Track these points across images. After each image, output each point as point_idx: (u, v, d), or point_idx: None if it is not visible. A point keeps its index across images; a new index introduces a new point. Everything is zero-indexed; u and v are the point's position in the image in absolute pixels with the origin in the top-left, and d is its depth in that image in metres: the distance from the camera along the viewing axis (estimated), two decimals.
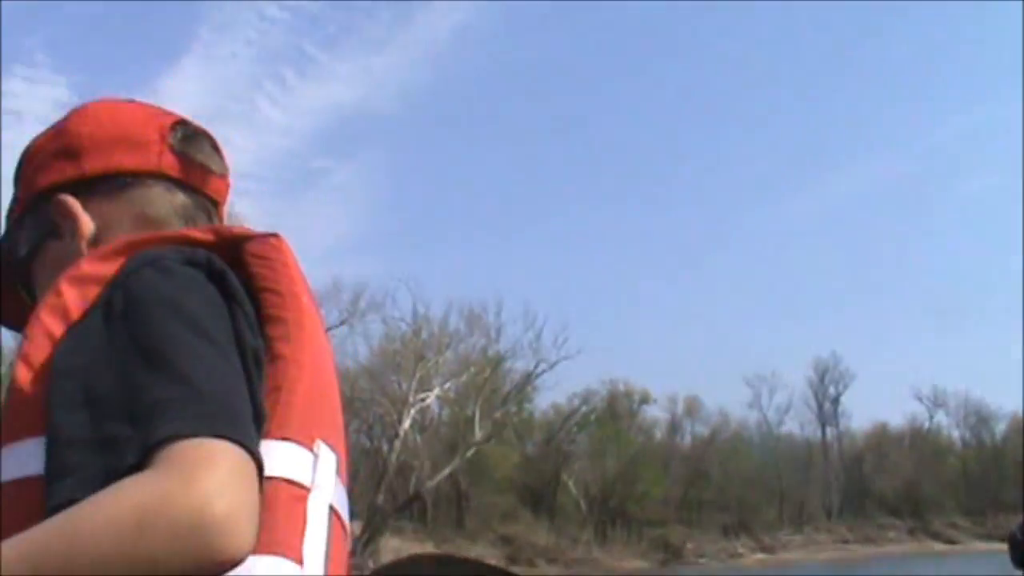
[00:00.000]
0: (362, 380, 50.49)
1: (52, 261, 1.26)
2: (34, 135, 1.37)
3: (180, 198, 1.29)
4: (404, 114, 79.21)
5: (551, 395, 71.36)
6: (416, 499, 49.50)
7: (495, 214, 79.15)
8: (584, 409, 61.22)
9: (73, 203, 1.26)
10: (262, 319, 1.12)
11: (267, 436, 1.02)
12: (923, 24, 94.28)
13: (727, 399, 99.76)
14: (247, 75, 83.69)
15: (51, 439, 0.98)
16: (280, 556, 0.97)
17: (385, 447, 48.14)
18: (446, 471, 48.00)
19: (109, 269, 1.11)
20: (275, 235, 1.20)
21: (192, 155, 1.30)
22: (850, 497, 72.54)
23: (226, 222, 1.35)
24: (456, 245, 76.98)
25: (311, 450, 1.07)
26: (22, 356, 1.05)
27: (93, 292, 1.09)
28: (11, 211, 1.35)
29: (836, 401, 75.27)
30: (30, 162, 1.33)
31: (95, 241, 1.24)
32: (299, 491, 1.03)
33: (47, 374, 1.02)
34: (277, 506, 0.99)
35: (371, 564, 42.78)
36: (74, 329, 1.05)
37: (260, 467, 0.94)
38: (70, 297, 1.09)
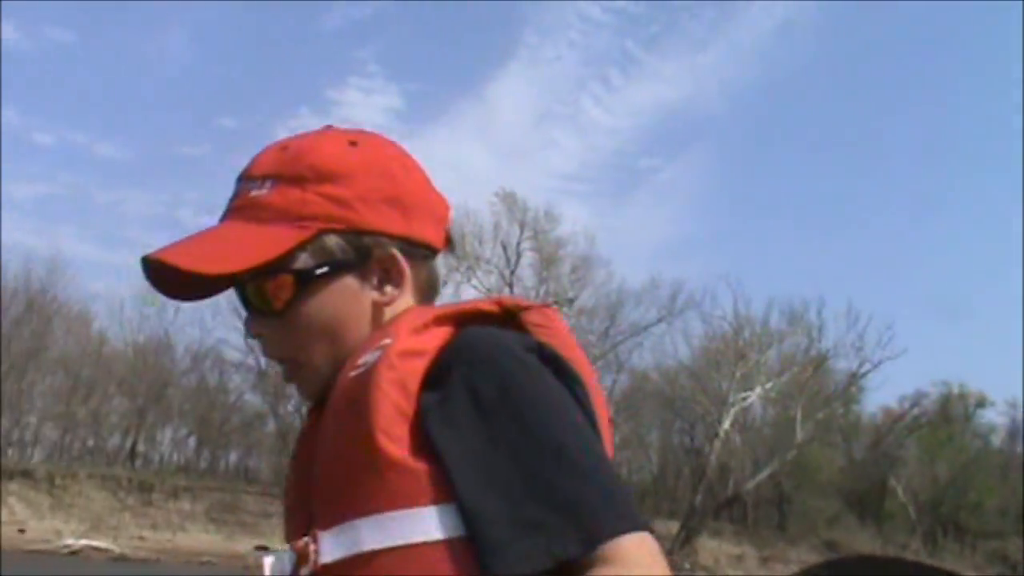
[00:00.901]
0: (682, 378, 50.48)
1: (340, 294, 1.34)
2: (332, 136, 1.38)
3: (437, 271, 1.42)
4: (729, 111, 78.41)
5: (877, 396, 68.82)
6: (735, 500, 49.04)
7: (817, 210, 76.96)
8: (915, 412, 58.80)
9: (404, 264, 1.34)
10: None
11: None
12: None
13: None
14: (572, 77, 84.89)
15: (474, 516, 1.10)
16: None
17: (706, 447, 47.93)
18: (765, 473, 47.33)
19: (429, 343, 1.22)
20: (548, 305, 1.34)
21: (452, 237, 1.44)
22: None
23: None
24: (778, 242, 75.44)
25: None
26: (380, 428, 1.15)
27: (420, 364, 1.19)
28: (297, 209, 1.33)
29: None
30: (350, 184, 1.34)
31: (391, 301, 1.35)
32: None
33: (422, 451, 1.14)
34: None
35: (687, 565, 42.72)
36: (443, 412, 1.15)
37: None
38: (405, 370, 1.19)
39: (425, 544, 1.12)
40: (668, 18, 76.42)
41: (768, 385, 47.26)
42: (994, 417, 64.72)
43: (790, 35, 73.55)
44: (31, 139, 68.99)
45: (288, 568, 1.21)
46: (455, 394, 1.16)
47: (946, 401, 60.83)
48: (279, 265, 1.31)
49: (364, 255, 1.34)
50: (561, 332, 1.29)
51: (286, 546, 1.24)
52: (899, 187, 75.34)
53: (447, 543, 1.11)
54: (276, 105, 79.35)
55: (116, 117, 73.61)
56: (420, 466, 1.13)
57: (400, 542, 1.12)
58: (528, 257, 47.21)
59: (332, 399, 1.26)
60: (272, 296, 1.33)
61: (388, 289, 1.35)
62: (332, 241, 1.33)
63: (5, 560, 28.38)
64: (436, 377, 1.18)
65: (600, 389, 1.30)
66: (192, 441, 55.08)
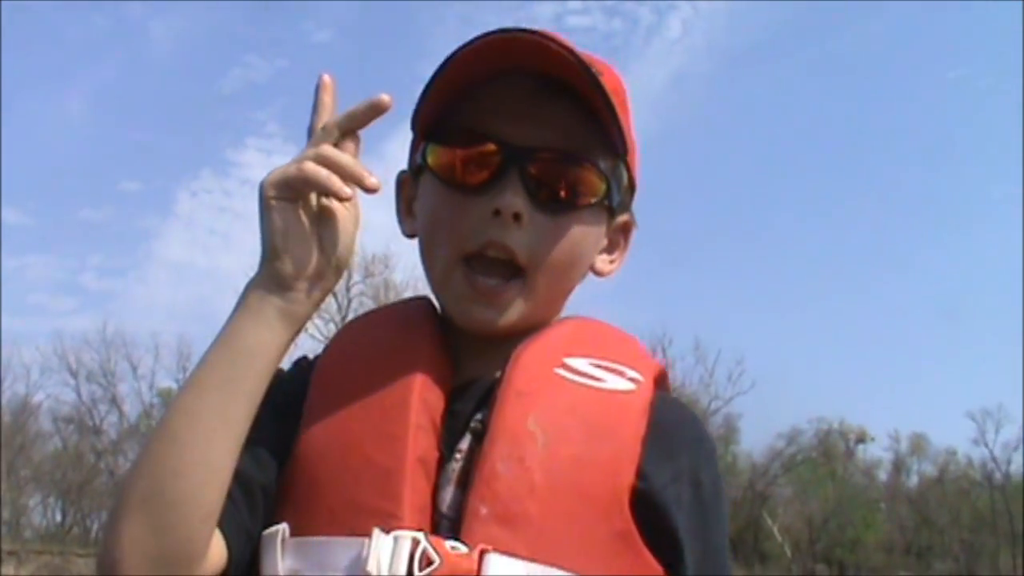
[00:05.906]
0: None
1: (598, 234, 1.14)
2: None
3: None
4: None
5: (752, 434, 68.37)
6: None
7: (671, 243, 76.56)
8: (791, 450, 58.54)
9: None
10: None
11: None
12: None
13: (954, 436, 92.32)
14: None
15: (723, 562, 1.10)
16: None
17: None
18: None
19: (647, 398, 1.09)
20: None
21: None
22: None
23: None
24: (639, 280, 75.17)
25: None
26: (625, 486, 1.04)
27: (644, 422, 1.07)
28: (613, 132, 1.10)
29: None
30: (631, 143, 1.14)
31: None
32: None
33: (648, 527, 1.04)
34: None
35: None
36: (677, 497, 1.06)
37: None
38: (643, 418, 1.07)
39: None
40: None
41: None
42: (879, 452, 64.55)
43: (682, 85, 73.91)
44: None
45: (404, 565, 0.99)
46: (685, 479, 1.07)
47: (827, 438, 60.62)
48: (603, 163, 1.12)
49: (623, 208, 1.16)
50: None
51: (406, 532, 1.00)
52: (762, 207, 74.96)
53: None
54: (177, 168, 79.25)
55: (18, 182, 73.02)
56: (644, 551, 1.03)
57: None
58: (362, 303, 46.83)
59: (548, 392, 1.06)
60: (588, 189, 1.09)
61: (610, 257, 1.18)
62: (625, 177, 1.15)
63: None
64: (658, 442, 1.07)
65: None
66: (59, 507, 54.27)
